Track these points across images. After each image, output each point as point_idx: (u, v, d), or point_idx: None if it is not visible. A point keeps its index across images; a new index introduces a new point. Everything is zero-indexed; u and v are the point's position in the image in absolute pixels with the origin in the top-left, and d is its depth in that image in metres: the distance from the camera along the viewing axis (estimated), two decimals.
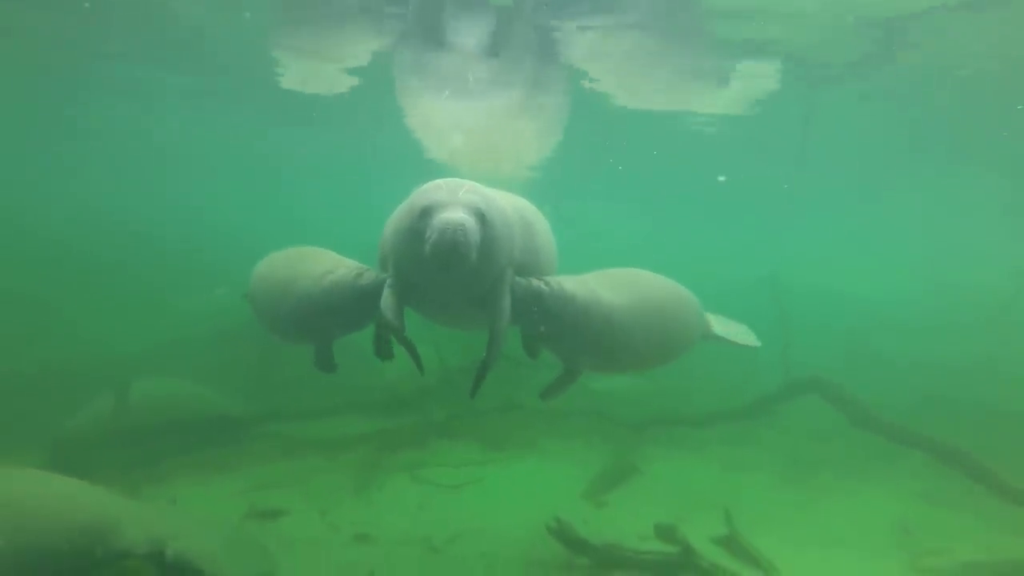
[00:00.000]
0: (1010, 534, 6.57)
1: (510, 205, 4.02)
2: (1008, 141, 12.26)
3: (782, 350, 11.84)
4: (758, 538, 6.18)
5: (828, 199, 18.47)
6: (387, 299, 3.79)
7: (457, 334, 4.99)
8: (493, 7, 7.26)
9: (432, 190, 3.63)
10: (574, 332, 3.98)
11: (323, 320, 4.20)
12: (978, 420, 9.49)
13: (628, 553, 5.56)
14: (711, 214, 22.38)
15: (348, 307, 4.08)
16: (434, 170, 15.03)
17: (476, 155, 14.46)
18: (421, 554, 5.74)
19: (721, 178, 16.51)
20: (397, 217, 3.83)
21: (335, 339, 4.39)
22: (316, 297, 4.16)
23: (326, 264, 4.31)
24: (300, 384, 8.66)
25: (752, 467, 8.63)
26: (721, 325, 5.10)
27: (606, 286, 4.18)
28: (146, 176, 21.89)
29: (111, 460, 6.93)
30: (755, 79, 9.09)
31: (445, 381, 9.16)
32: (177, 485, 6.73)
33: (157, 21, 8.77)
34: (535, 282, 3.88)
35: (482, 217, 3.50)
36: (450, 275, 3.54)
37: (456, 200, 3.48)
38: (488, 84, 10.10)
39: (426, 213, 3.47)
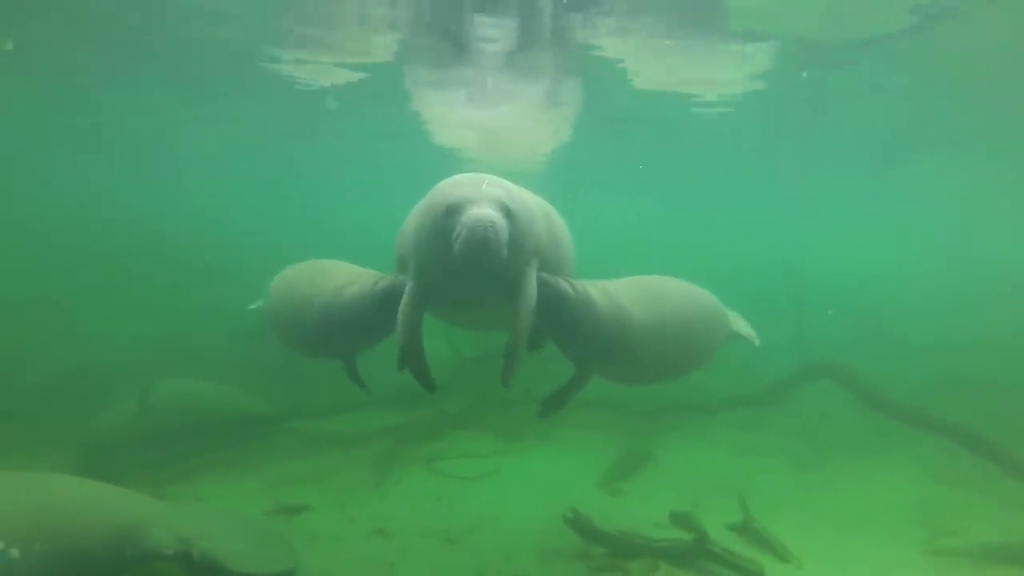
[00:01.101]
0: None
1: (530, 197, 3.99)
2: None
3: (796, 334, 11.86)
4: (773, 523, 6.23)
5: (840, 179, 18.23)
6: (405, 307, 3.68)
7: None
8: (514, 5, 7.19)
9: (454, 186, 3.54)
10: (592, 339, 3.89)
11: (347, 334, 4.14)
12: (994, 398, 9.45)
13: (643, 541, 5.64)
14: (722, 198, 22.17)
15: (371, 317, 3.99)
16: (443, 157, 15.08)
17: (491, 148, 14.46)
18: (439, 546, 5.86)
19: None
20: (419, 216, 3.70)
21: (360, 352, 4.33)
22: (338, 311, 4.09)
23: (344, 277, 4.25)
24: (318, 381, 8.81)
25: (766, 452, 8.67)
26: (740, 323, 5.04)
27: (630, 297, 4.10)
28: (163, 180, 22.10)
29: (138, 461, 7.14)
30: (765, 59, 8.97)
31: (460, 372, 9.28)
32: (202, 483, 6.91)
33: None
34: (561, 282, 3.82)
35: (507, 211, 3.43)
36: (480, 272, 3.46)
37: (481, 195, 3.41)
38: (508, 89, 10.08)
39: (452, 211, 3.38)
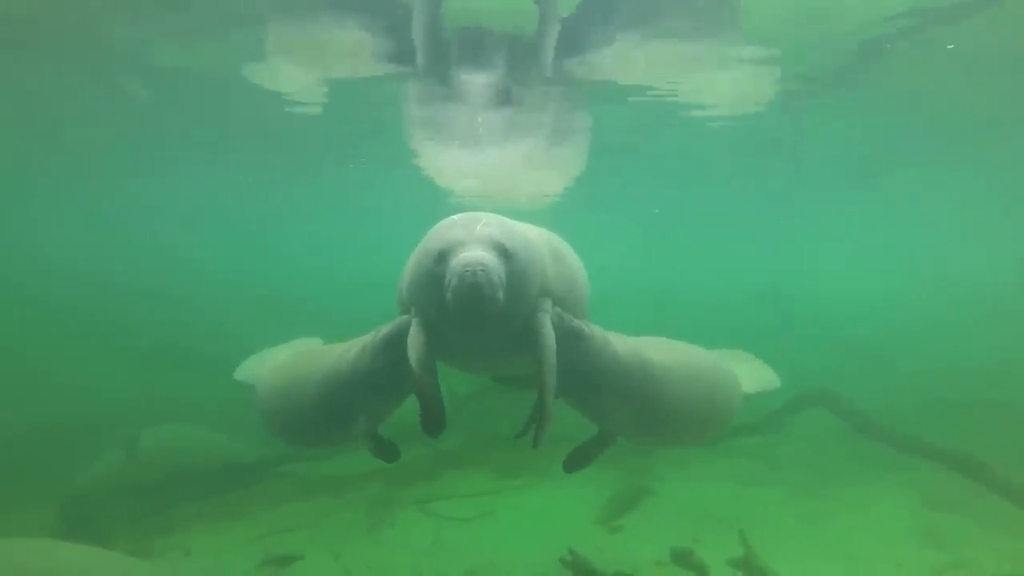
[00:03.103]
0: None
1: (536, 233, 3.70)
2: (1004, 142, 12.37)
3: (789, 363, 11.88)
4: (774, 556, 6.13)
5: (823, 205, 18.54)
6: (414, 339, 3.35)
7: None
8: (504, 56, 7.07)
9: (446, 228, 3.33)
10: (610, 383, 3.58)
11: (359, 398, 3.67)
12: (981, 417, 9.53)
13: None
14: (708, 227, 22.44)
15: (381, 368, 3.56)
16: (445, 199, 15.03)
17: (491, 192, 14.26)
18: None
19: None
20: (414, 262, 3.48)
21: (378, 420, 3.83)
22: (345, 376, 3.66)
23: (339, 348, 3.87)
24: None
25: (765, 482, 8.58)
26: (749, 381, 4.70)
27: (647, 345, 3.87)
28: (139, 231, 22.06)
29: (123, 514, 6.95)
30: (749, 85, 8.96)
31: (454, 409, 9.19)
32: (191, 535, 6.73)
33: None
34: (575, 321, 3.52)
35: (504, 251, 3.19)
36: (477, 320, 3.19)
37: (473, 237, 3.18)
38: (504, 134, 9.80)
39: (443, 256, 3.18)
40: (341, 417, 3.76)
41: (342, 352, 3.79)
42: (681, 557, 5.94)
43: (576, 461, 3.81)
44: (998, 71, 8.41)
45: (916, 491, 7.79)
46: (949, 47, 7.34)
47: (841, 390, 8.71)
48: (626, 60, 7.50)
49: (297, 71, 7.97)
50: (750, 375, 4.77)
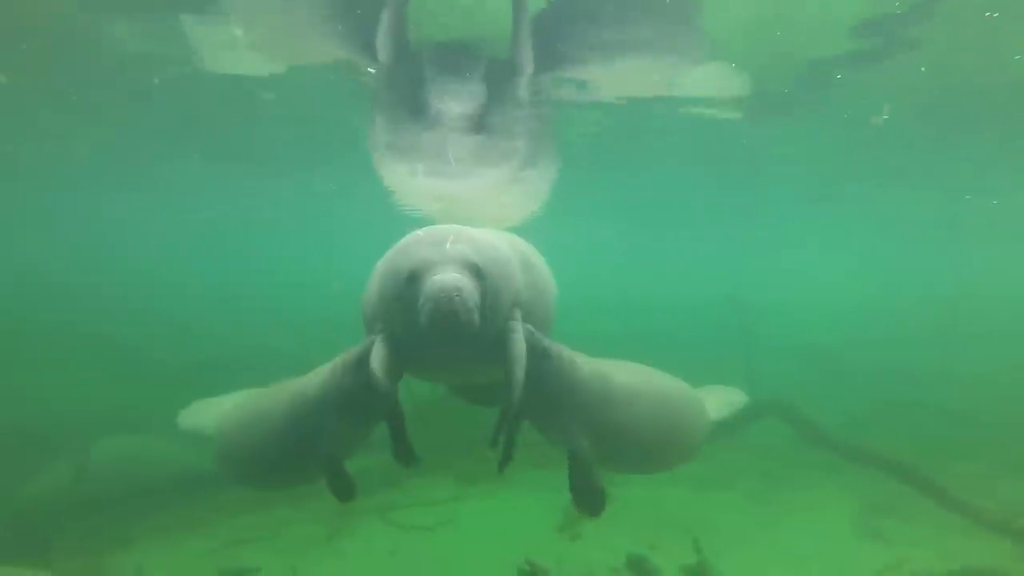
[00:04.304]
0: (961, 536, 6.88)
1: (504, 242, 3.62)
2: (947, 161, 12.92)
3: (746, 370, 12.20)
4: (727, 560, 6.32)
5: (783, 217, 19.05)
6: (378, 355, 3.25)
7: None
8: (480, 76, 6.95)
9: (415, 246, 3.22)
10: (572, 404, 3.52)
11: (329, 419, 3.50)
12: (926, 420, 9.99)
13: None
14: (666, 234, 22.83)
15: (350, 389, 3.39)
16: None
17: (456, 214, 14.20)
18: None
19: None
20: (381, 280, 3.37)
21: (347, 452, 3.66)
22: (313, 402, 3.51)
23: (300, 380, 3.74)
24: None
25: (720, 487, 8.80)
26: (715, 407, 4.66)
27: (613, 368, 3.82)
28: (91, 234, 21.47)
29: (72, 529, 6.74)
30: (712, 91, 8.99)
31: (416, 416, 9.15)
32: (144, 550, 6.56)
33: None
34: (545, 340, 3.46)
35: (477, 271, 3.12)
36: (452, 342, 3.16)
37: (445, 258, 3.09)
38: (473, 162, 9.59)
39: (413, 278, 3.09)
40: (309, 444, 3.56)
41: (310, 377, 3.68)
42: (636, 564, 6.06)
43: (583, 496, 3.56)
44: (936, 98, 8.81)
45: (859, 495, 8.10)
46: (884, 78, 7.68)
47: (797, 396, 9.01)
48: (596, 74, 7.53)
49: (257, 56, 7.33)
50: (717, 400, 4.74)
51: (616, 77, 7.69)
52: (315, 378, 3.63)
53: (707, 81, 8.04)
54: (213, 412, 4.42)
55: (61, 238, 20.54)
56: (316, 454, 3.57)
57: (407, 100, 7.71)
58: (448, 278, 2.99)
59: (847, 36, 6.58)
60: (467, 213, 13.01)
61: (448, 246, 3.15)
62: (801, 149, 11.81)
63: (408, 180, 10.92)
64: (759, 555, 6.70)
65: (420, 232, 3.36)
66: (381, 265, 3.46)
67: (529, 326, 3.42)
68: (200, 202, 17.22)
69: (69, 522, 6.83)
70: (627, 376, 3.81)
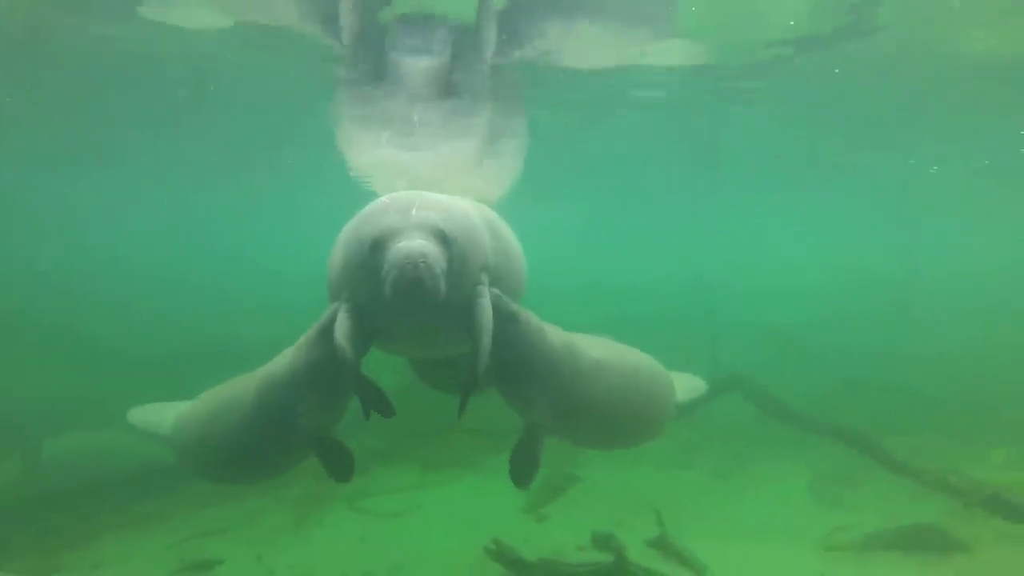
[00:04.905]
0: (909, 500, 7.23)
1: (472, 208, 3.56)
2: (905, 145, 13.27)
3: (711, 348, 12.45)
4: (691, 536, 6.48)
5: (743, 197, 19.37)
6: (342, 322, 3.18)
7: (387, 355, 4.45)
8: (444, 38, 6.74)
9: (379, 213, 3.14)
10: (537, 372, 3.43)
11: (300, 396, 3.38)
12: (890, 399, 10.36)
13: (565, 567, 5.73)
14: (632, 215, 23.02)
15: (319, 359, 3.30)
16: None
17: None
18: None
19: None
20: (344, 248, 3.29)
21: (327, 425, 3.54)
22: (282, 373, 3.42)
23: (265, 367, 3.63)
24: None
25: (684, 465, 9.02)
26: (682, 390, 4.63)
27: (583, 340, 3.75)
28: (52, 220, 20.71)
29: (30, 526, 6.57)
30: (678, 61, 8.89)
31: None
32: (103, 546, 6.43)
33: None
34: (513, 304, 3.38)
35: (443, 237, 3.04)
36: (417, 311, 3.10)
37: (410, 224, 3.01)
38: (438, 131, 9.30)
39: (377, 246, 3.01)
40: (281, 428, 3.43)
41: (276, 359, 3.57)
42: (601, 541, 6.19)
43: (520, 468, 3.49)
44: (894, 82, 9.02)
45: (815, 467, 8.44)
46: (835, 71, 7.80)
47: (759, 376, 9.25)
48: (563, 43, 7.34)
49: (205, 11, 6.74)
50: (679, 386, 4.70)
51: (582, 44, 7.51)
52: (281, 359, 3.54)
53: (673, 52, 7.93)
54: (168, 413, 4.27)
55: (23, 224, 19.78)
56: (290, 437, 3.46)
57: (370, 67, 7.51)
58: (413, 244, 2.90)
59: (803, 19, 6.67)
60: (435, 192, 12.71)
61: (414, 212, 3.06)
62: (766, 127, 11.97)
63: (372, 152, 10.54)
64: (721, 527, 6.90)
65: (385, 199, 3.27)
66: (345, 233, 3.37)
67: (496, 290, 3.34)
68: (164, 184, 16.76)
69: (23, 519, 6.66)
70: (597, 350, 3.75)
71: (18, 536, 6.26)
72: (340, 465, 3.52)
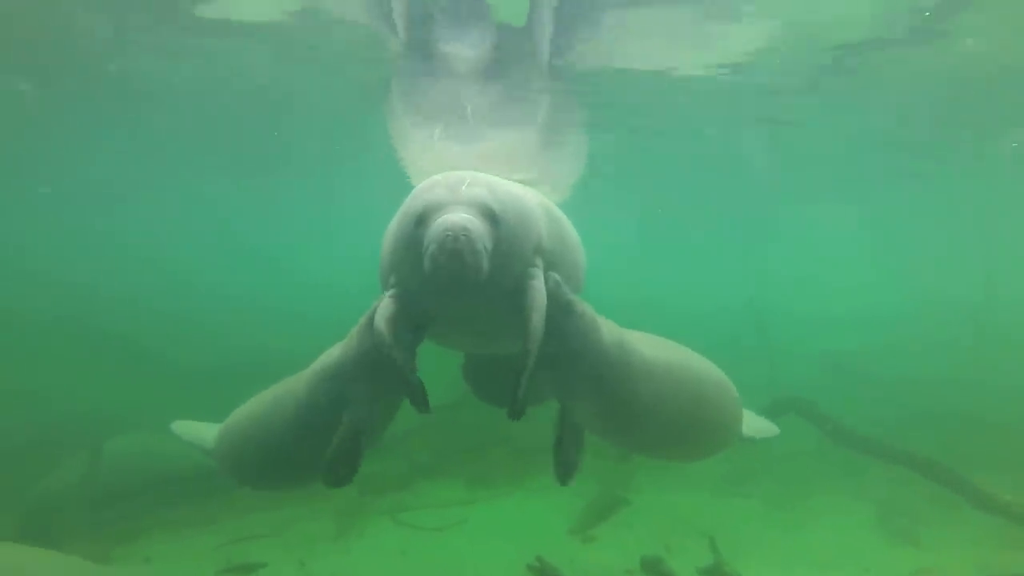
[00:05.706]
0: (997, 548, 6.54)
1: (529, 192, 3.43)
2: (976, 160, 12.57)
3: (769, 374, 11.93)
4: (746, 564, 6.10)
5: (804, 218, 18.75)
6: (385, 307, 3.05)
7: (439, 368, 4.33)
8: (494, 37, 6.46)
9: (428, 189, 3.04)
10: (586, 369, 3.21)
11: (350, 385, 3.27)
12: (964, 431, 9.61)
13: None
14: (685, 240, 22.58)
15: (371, 348, 3.14)
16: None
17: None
18: None
19: None
20: (394, 226, 3.21)
21: (375, 423, 3.38)
22: (333, 365, 3.34)
23: (312, 366, 3.54)
24: None
25: (740, 492, 8.57)
26: (753, 428, 4.26)
27: (638, 339, 3.50)
28: (104, 231, 21.69)
29: (85, 522, 6.76)
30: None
31: (427, 420, 9.05)
32: (153, 543, 6.58)
33: None
34: (570, 294, 3.18)
35: (491, 214, 2.88)
36: (457, 290, 2.90)
37: (456, 199, 2.87)
38: (492, 116, 8.81)
39: (422, 220, 2.87)
40: (330, 418, 3.28)
41: (327, 353, 3.47)
42: (650, 565, 5.87)
43: (563, 468, 3.34)
44: (962, 89, 8.53)
45: (882, 500, 7.83)
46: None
47: (815, 399, 8.74)
48: (618, 41, 6.84)
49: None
50: (753, 424, 4.35)
51: (641, 34, 6.79)
52: (332, 352, 3.45)
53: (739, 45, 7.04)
54: (210, 431, 4.29)
55: (81, 239, 20.87)
56: (335, 431, 3.26)
57: (421, 55, 7.18)
58: (455, 217, 2.74)
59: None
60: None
61: (463, 188, 2.93)
62: (830, 141, 11.47)
63: (427, 153, 10.41)
64: (781, 557, 6.48)
65: (437, 176, 3.16)
66: (397, 214, 3.28)
67: (554, 274, 3.14)
68: (219, 202, 17.38)
69: (79, 517, 6.85)
70: (655, 351, 3.48)
71: (78, 527, 6.44)
72: (343, 468, 3.25)
